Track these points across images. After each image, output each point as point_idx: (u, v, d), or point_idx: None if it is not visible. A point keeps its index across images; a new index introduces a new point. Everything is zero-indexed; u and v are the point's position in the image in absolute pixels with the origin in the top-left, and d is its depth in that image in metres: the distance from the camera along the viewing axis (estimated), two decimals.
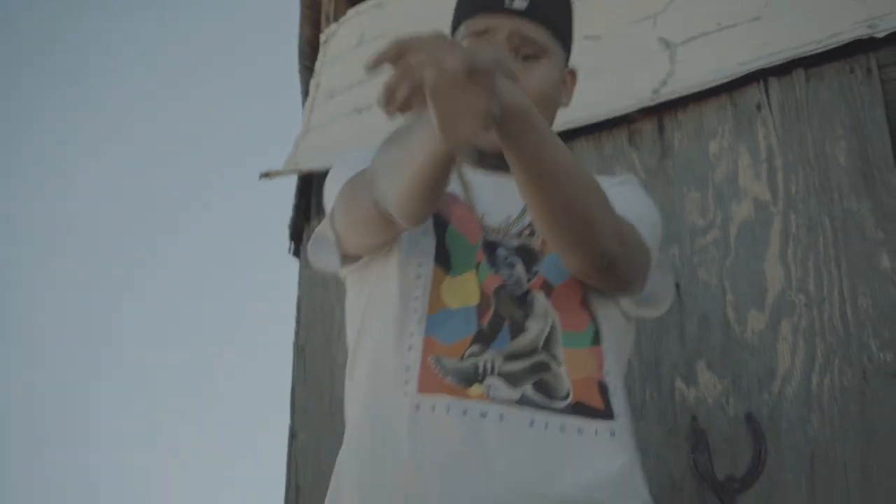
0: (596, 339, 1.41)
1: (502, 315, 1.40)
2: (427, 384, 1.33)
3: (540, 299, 1.41)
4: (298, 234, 2.67)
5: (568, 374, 1.37)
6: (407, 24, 2.62)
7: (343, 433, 1.67)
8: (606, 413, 1.36)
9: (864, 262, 1.90)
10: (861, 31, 2.02)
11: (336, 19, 2.84)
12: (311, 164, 2.58)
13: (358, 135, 2.58)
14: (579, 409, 1.34)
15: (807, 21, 2.10)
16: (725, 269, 2.02)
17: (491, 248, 1.44)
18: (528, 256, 1.45)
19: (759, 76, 2.10)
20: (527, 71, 1.42)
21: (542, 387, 1.35)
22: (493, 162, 1.45)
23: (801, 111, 2.04)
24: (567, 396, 1.35)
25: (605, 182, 1.47)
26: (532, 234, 1.46)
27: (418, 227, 1.41)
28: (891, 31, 1.99)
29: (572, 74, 1.58)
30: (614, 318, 1.47)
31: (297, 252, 2.69)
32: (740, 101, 2.11)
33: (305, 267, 2.59)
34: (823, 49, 2.04)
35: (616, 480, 1.34)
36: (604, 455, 1.34)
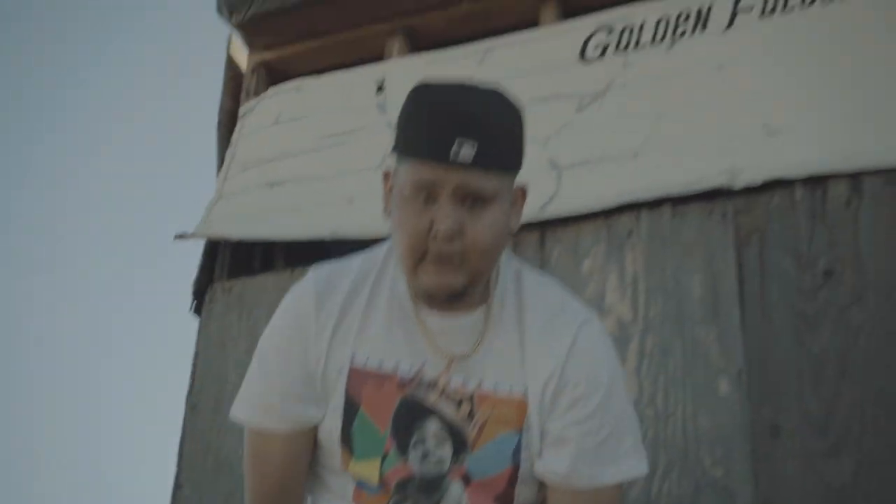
0: None
1: (407, 496, 1.41)
2: None
3: (455, 488, 1.43)
4: (202, 293, 2.74)
5: None
6: (322, 109, 2.79)
7: (225, 490, 1.76)
8: None
9: (706, 386, 2.12)
10: (722, 181, 2.27)
11: (256, 94, 2.95)
12: (221, 230, 2.70)
13: (267, 207, 2.74)
14: None
15: (678, 163, 2.35)
16: None
17: (420, 413, 1.42)
18: (459, 443, 1.41)
19: (633, 207, 2.31)
20: (474, 219, 1.31)
21: None
22: (443, 303, 1.38)
23: (665, 243, 2.29)
24: None
25: (559, 351, 1.40)
26: (470, 415, 1.41)
27: (328, 417, 1.42)
28: (747, 184, 2.23)
29: (522, 193, 1.46)
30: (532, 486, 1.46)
31: (198, 310, 2.75)
32: (614, 226, 2.33)
33: (205, 326, 2.66)
34: (689, 191, 2.28)
35: None
36: None
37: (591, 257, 2.34)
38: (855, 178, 2.20)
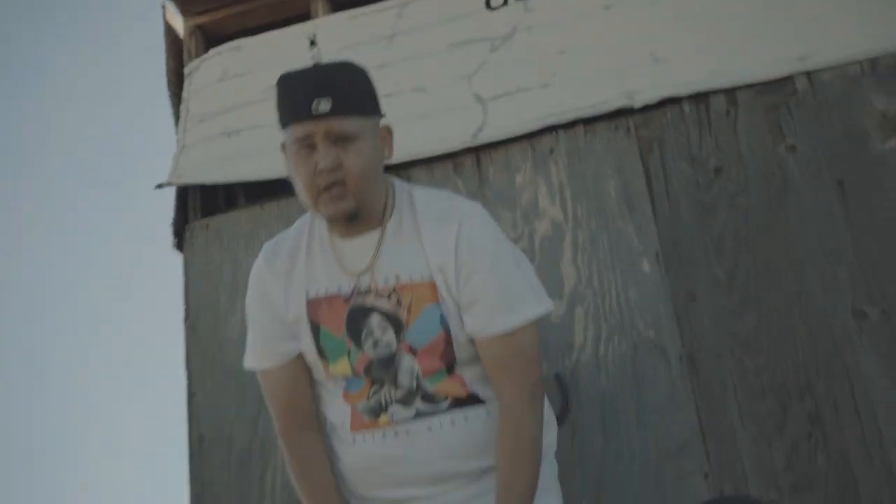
0: (451, 371, 1.73)
1: (377, 377, 1.73)
2: (355, 424, 1.75)
3: (406, 359, 1.72)
4: (180, 232, 2.77)
5: (444, 389, 1.72)
6: (262, 64, 2.96)
7: (235, 392, 2.02)
8: (477, 400, 1.71)
9: (631, 267, 2.36)
10: (623, 102, 2.47)
11: (196, 55, 2.95)
12: (191, 177, 2.77)
13: (226, 154, 2.80)
14: (458, 403, 1.70)
15: (584, 90, 2.54)
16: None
17: (363, 313, 1.74)
18: (397, 325, 1.71)
19: (551, 129, 2.53)
20: (345, 153, 1.66)
21: (427, 398, 1.70)
22: (345, 228, 1.74)
23: (581, 156, 2.47)
24: (446, 399, 1.69)
25: (449, 236, 1.73)
26: (399, 302, 1.72)
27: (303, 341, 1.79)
28: (644, 103, 2.48)
29: (388, 130, 1.77)
30: (475, 363, 1.76)
31: (179, 246, 2.77)
32: (537, 145, 2.51)
33: (190, 259, 2.69)
34: (596, 113, 2.51)
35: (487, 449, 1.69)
36: (490, 427, 1.71)
37: (522, 172, 2.51)
38: (730, 93, 2.48)
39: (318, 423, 1.84)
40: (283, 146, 1.73)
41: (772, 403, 2.25)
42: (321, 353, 1.76)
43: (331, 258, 1.77)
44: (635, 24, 2.73)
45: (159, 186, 2.78)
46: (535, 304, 1.72)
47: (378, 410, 1.75)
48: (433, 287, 1.71)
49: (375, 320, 1.74)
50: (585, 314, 2.41)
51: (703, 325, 2.34)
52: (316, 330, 1.76)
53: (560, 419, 2.31)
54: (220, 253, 2.73)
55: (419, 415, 1.73)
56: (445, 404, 1.73)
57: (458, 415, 1.73)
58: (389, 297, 1.73)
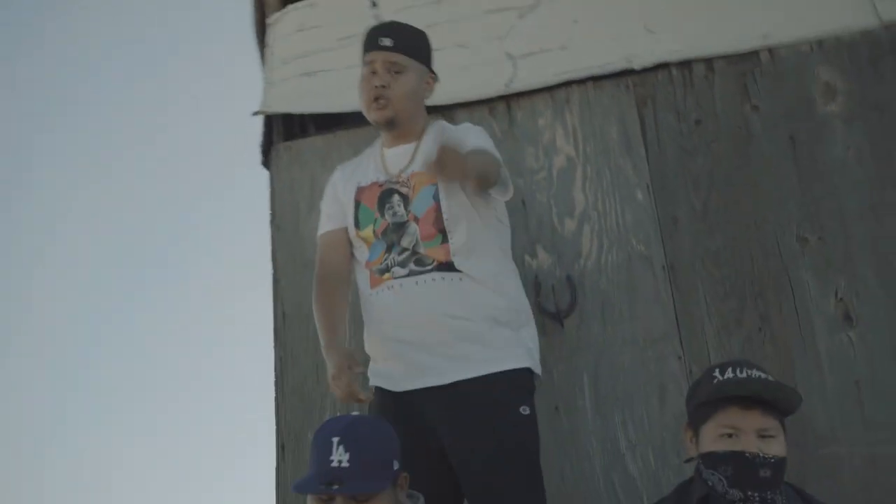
0: (444, 240, 1.89)
1: (392, 241, 1.92)
2: (373, 283, 1.95)
3: (411, 225, 1.92)
4: (267, 151, 2.78)
5: (429, 253, 1.89)
6: (333, 19, 2.90)
7: (312, 279, 2.08)
8: (454, 269, 1.88)
9: (628, 195, 2.44)
10: (624, 65, 2.51)
11: (276, 9, 2.91)
12: (277, 108, 2.78)
13: (306, 91, 2.78)
14: (440, 267, 1.88)
15: (593, 53, 2.57)
16: (551, 194, 2.46)
17: (389, 193, 1.97)
18: (406, 201, 1.94)
19: (567, 84, 2.56)
20: (395, 80, 1.94)
21: (418, 262, 1.87)
22: (390, 137, 2.03)
23: (591, 106, 2.52)
24: (432, 263, 1.88)
25: (465, 130, 2.05)
26: (408, 184, 1.96)
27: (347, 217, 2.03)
28: (642, 66, 2.52)
29: (432, 77, 2.06)
30: (466, 221, 1.92)
31: (266, 164, 2.79)
32: (556, 96, 2.55)
33: (276, 174, 2.72)
34: (603, 72, 2.55)
35: (466, 301, 1.86)
36: (459, 290, 1.87)
37: (544, 117, 2.55)
38: (709, 61, 2.50)
39: (343, 282, 2.06)
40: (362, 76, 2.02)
41: (732, 304, 2.35)
42: (357, 221, 2.01)
43: (379, 160, 2.06)
44: (634, 2, 2.70)
45: (255, 114, 2.78)
46: (495, 153, 2.00)
47: (384, 271, 1.93)
48: (433, 176, 1.87)
49: (396, 198, 1.97)
50: (591, 230, 2.48)
51: (682, 243, 2.44)
52: (357, 205, 2.02)
53: (569, 311, 2.40)
54: (301, 169, 2.76)
55: (411, 273, 1.90)
56: (431, 266, 1.89)
57: (438, 275, 1.89)
58: (406, 183, 1.97)
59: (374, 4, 2.83)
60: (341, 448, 1.51)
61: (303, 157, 2.75)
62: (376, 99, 1.95)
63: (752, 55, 2.54)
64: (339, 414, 2.27)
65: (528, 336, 1.94)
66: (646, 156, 2.50)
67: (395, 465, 1.58)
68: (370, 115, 1.99)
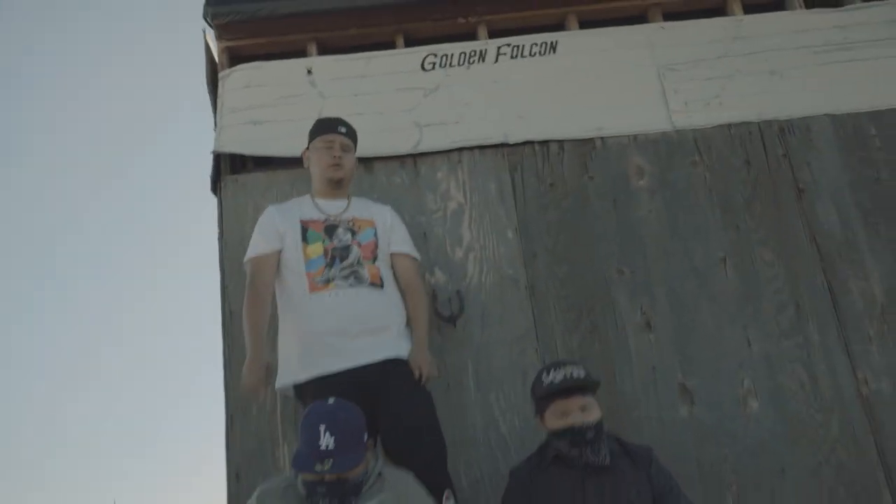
0: (374, 261, 2.54)
1: (335, 256, 2.48)
2: (312, 288, 2.45)
3: (354, 249, 2.55)
4: (216, 181, 3.22)
5: (368, 272, 2.53)
6: (275, 81, 3.47)
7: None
8: (382, 285, 2.51)
9: (502, 234, 3.13)
10: (501, 139, 3.26)
11: (225, 67, 3.38)
12: (229, 148, 3.23)
13: (251, 135, 3.26)
14: (373, 284, 2.49)
15: (479, 128, 3.30)
16: (445, 229, 3.11)
17: (333, 227, 2.58)
18: (352, 231, 2.57)
19: (459, 149, 3.25)
20: (345, 155, 2.67)
21: (358, 277, 2.47)
22: (332, 192, 2.67)
23: (477, 167, 3.23)
24: (367, 279, 2.48)
25: (381, 207, 2.80)
26: (354, 223, 2.61)
27: (289, 237, 2.61)
28: (514, 141, 3.26)
29: (357, 162, 2.80)
30: (388, 258, 2.64)
31: (215, 191, 3.22)
32: (451, 157, 3.24)
33: (225, 198, 3.15)
34: (485, 143, 3.28)
35: (390, 311, 2.51)
36: (384, 302, 2.50)
37: (441, 171, 3.21)
38: (560, 142, 3.34)
39: (270, 296, 2.58)
40: (304, 152, 2.79)
41: (573, 314, 3.13)
42: (305, 239, 2.54)
43: (313, 207, 2.68)
44: (509, 94, 3.46)
45: (214, 153, 3.24)
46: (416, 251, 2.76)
47: (328, 280, 2.48)
48: (372, 222, 2.62)
49: (340, 229, 2.59)
50: (475, 258, 3.17)
51: (539, 270, 3.18)
52: (305, 229, 2.57)
53: (459, 315, 3.06)
54: (245, 197, 3.20)
55: (351, 286, 2.48)
56: (367, 282, 2.50)
57: (372, 289, 2.51)
58: (349, 222, 2.63)
59: (310, 72, 3.46)
60: (327, 434, 1.84)
61: (247, 188, 3.25)
62: (335, 166, 2.65)
63: (590, 141, 3.41)
64: (276, 394, 2.81)
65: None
66: (514, 206, 3.24)
67: (365, 437, 1.98)
68: (330, 175, 2.67)
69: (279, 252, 2.59)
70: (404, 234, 2.79)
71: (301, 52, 3.51)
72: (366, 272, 2.52)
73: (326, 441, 1.81)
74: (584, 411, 2.21)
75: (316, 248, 2.55)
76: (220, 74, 3.39)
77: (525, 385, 2.97)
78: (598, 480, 2.17)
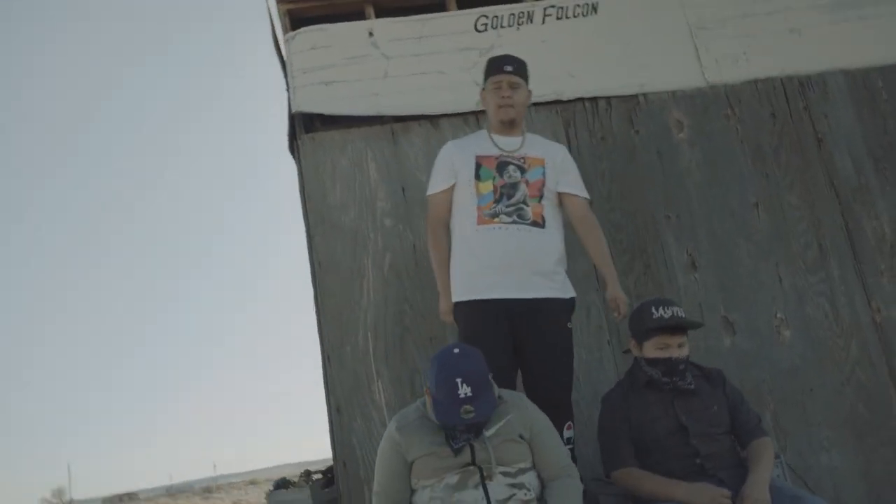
0: (540, 199, 2.53)
1: (503, 193, 2.51)
2: (479, 221, 2.51)
3: (522, 186, 2.53)
4: (292, 140, 3.29)
5: (532, 211, 2.53)
6: (339, 42, 3.53)
7: (339, 235, 2.79)
8: (543, 225, 2.53)
9: None
10: (555, 97, 3.40)
11: (290, 28, 3.40)
12: (302, 107, 3.29)
13: (326, 94, 3.33)
14: (534, 223, 2.51)
15: (535, 86, 3.56)
16: None
17: (505, 164, 2.57)
18: (522, 169, 2.55)
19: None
20: (515, 92, 2.60)
21: (521, 216, 2.52)
22: (507, 130, 2.64)
23: (534, 123, 3.27)
24: (530, 218, 2.51)
25: (555, 146, 2.76)
26: (524, 161, 2.57)
27: (462, 173, 2.59)
28: (567, 98, 3.43)
29: (529, 91, 2.70)
30: (554, 197, 2.61)
31: (291, 150, 3.30)
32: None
33: (304, 157, 3.23)
34: (542, 100, 3.33)
35: (547, 251, 2.55)
36: (542, 242, 2.53)
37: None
38: (608, 99, 3.47)
39: (448, 228, 2.64)
40: (482, 92, 2.72)
41: (627, 256, 3.32)
42: (478, 175, 2.57)
43: (491, 143, 2.67)
44: (558, 54, 3.60)
45: (296, 114, 3.31)
46: (586, 192, 2.72)
47: (494, 215, 2.54)
48: (543, 161, 2.62)
49: (511, 167, 2.59)
50: None
51: (596, 211, 3.26)
52: (479, 165, 2.60)
53: None
54: (324, 154, 3.32)
55: (514, 222, 2.54)
56: (529, 220, 2.55)
57: (532, 228, 2.56)
58: (521, 160, 2.61)
59: (371, 34, 3.53)
60: (464, 385, 1.95)
61: (324, 145, 3.37)
62: (504, 106, 2.61)
63: (634, 97, 3.59)
64: (367, 333, 3.00)
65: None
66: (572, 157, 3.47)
67: (490, 377, 2.05)
68: (499, 115, 2.64)
69: (453, 187, 2.66)
70: (575, 175, 2.73)
71: (358, 15, 3.57)
72: (529, 211, 2.56)
73: (464, 391, 1.93)
74: (680, 347, 2.43)
75: (487, 185, 2.60)
76: (286, 36, 3.42)
77: (590, 321, 3.21)
78: (685, 400, 2.43)
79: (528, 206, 2.55)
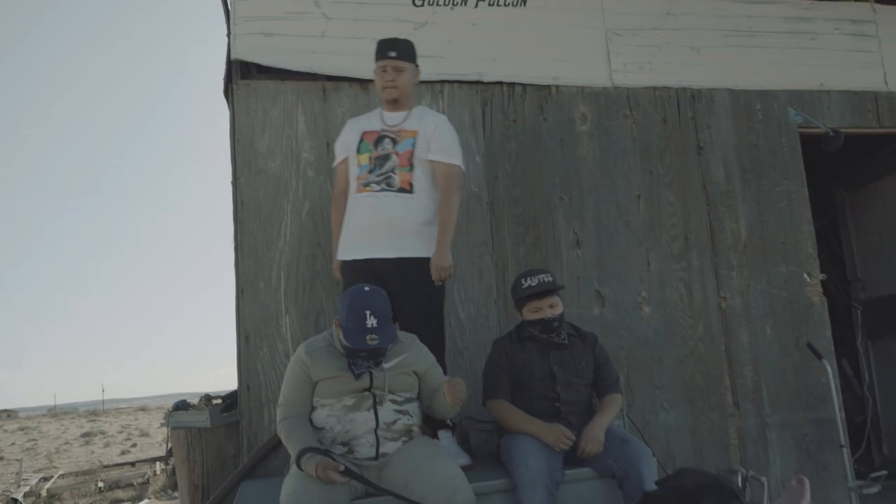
0: (410, 168, 2.79)
1: (376, 164, 2.77)
2: (357, 190, 2.79)
3: (393, 157, 2.80)
4: (229, 86, 3.41)
5: (399, 179, 2.79)
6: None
7: (263, 179, 3.04)
8: (411, 191, 2.80)
9: (471, 158, 3.65)
10: (476, 77, 3.80)
11: None
12: (241, 55, 3.42)
13: (266, 45, 3.46)
14: (401, 190, 2.77)
15: (459, 65, 3.80)
16: None
17: (382, 137, 2.83)
18: (395, 142, 2.80)
19: (441, 81, 3.81)
20: (398, 75, 2.84)
21: (389, 184, 2.78)
22: (393, 107, 2.89)
23: (455, 99, 3.58)
24: (397, 185, 2.77)
25: (432, 116, 2.92)
26: (400, 134, 2.82)
27: (352, 147, 2.88)
28: (487, 80, 3.88)
29: (418, 69, 2.97)
30: (426, 164, 2.84)
31: (226, 94, 3.40)
32: (434, 88, 3.65)
33: (238, 100, 3.36)
34: (463, 79, 3.75)
35: (413, 214, 2.80)
36: (409, 206, 2.78)
37: (426, 99, 3.55)
38: (524, 86, 4.03)
39: (343, 194, 2.92)
40: (376, 71, 2.95)
41: (521, 229, 3.70)
42: (358, 149, 2.87)
43: (379, 118, 2.94)
44: (485, 38, 3.86)
45: (234, 60, 3.43)
46: (458, 159, 2.92)
47: (367, 185, 2.82)
48: (415, 132, 2.85)
49: (387, 139, 2.85)
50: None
51: (499, 190, 3.72)
52: (361, 140, 2.89)
53: None
54: (256, 102, 3.46)
55: (383, 190, 2.82)
56: (396, 187, 2.81)
57: (399, 194, 2.83)
58: (397, 133, 2.86)
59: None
60: (372, 317, 2.21)
61: (258, 93, 3.52)
62: (387, 88, 2.89)
63: (547, 87, 3.90)
64: (280, 272, 3.26)
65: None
66: (483, 135, 3.73)
67: (391, 315, 2.31)
68: (383, 95, 2.92)
69: (346, 160, 2.96)
70: (443, 143, 2.87)
71: None
72: (397, 179, 2.80)
73: (371, 322, 2.19)
74: (551, 307, 2.83)
75: (364, 157, 2.86)
76: None
77: (481, 282, 3.57)
78: (558, 353, 2.84)
79: (395, 174, 2.81)
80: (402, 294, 2.72)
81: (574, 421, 2.73)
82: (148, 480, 11.26)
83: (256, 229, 3.34)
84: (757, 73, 4.22)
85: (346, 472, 2.03)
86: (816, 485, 3.59)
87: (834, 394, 3.55)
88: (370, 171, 2.83)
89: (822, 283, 4.09)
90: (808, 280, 4.02)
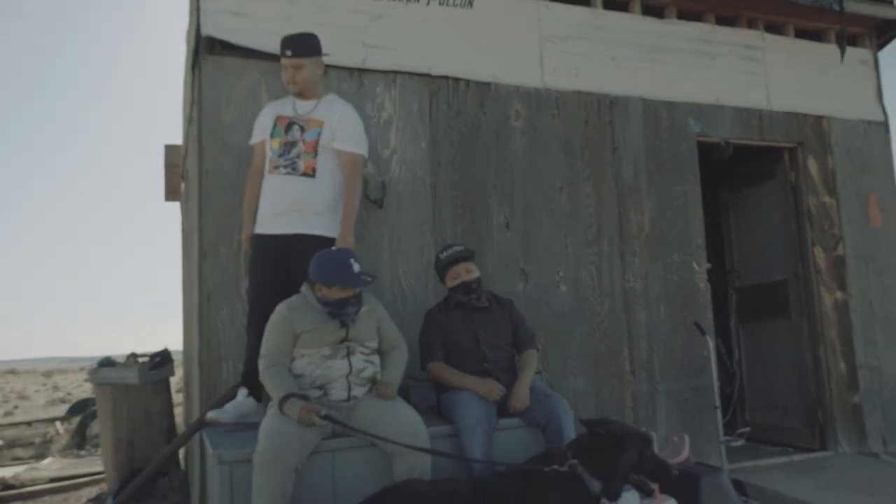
0: (315, 155, 3.03)
1: (285, 149, 3.00)
2: (270, 171, 3.02)
3: (300, 144, 3.02)
4: (196, 60, 3.53)
5: (304, 164, 3.05)
6: None
7: (228, 147, 3.24)
8: (314, 175, 3.02)
9: (417, 143, 3.89)
10: (426, 70, 4.20)
11: None
12: (209, 31, 3.52)
13: (234, 23, 3.54)
14: (304, 174, 3.01)
15: (411, 57, 4.13)
16: (378, 133, 3.76)
17: (292, 124, 3.07)
18: (303, 129, 2.99)
19: (394, 72, 4.02)
20: (297, 72, 3.02)
21: (294, 168, 3.02)
22: (302, 97, 3.08)
23: (406, 89, 3.82)
24: (301, 170, 3.00)
25: (339, 106, 3.15)
26: (308, 122, 2.99)
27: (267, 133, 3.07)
28: (435, 74, 4.21)
29: (322, 63, 3.15)
30: (331, 152, 3.10)
31: (193, 67, 3.51)
32: (388, 77, 3.91)
33: (205, 74, 3.46)
34: (414, 71, 4.12)
35: (315, 196, 3.05)
36: (311, 189, 3.03)
37: (379, 87, 3.78)
38: (467, 81, 4.28)
39: (259, 173, 3.15)
40: (282, 65, 3.13)
41: (459, 210, 4.01)
42: (273, 133, 3.08)
43: (292, 105, 3.14)
44: (434, 35, 4.09)
45: (204, 36, 3.51)
46: (363, 148, 3.15)
47: (276, 167, 3.07)
48: (322, 122, 3.09)
49: (296, 127, 3.09)
50: (398, 158, 3.90)
51: (441, 173, 4.00)
52: (275, 125, 3.09)
53: (382, 200, 3.81)
54: (222, 77, 3.57)
55: (289, 173, 3.07)
56: (300, 171, 3.06)
57: (303, 178, 3.06)
58: (306, 122, 3.04)
59: None
60: (355, 263, 2.62)
61: (224, 69, 3.61)
62: (290, 83, 3.11)
63: (488, 84, 4.19)
64: (242, 229, 3.42)
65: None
66: (429, 124, 3.99)
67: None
68: (289, 89, 3.16)
69: (263, 142, 3.14)
70: (348, 133, 3.11)
71: None
72: (301, 164, 3.01)
73: (356, 267, 2.62)
74: (468, 273, 3.18)
75: (276, 141, 3.07)
76: None
77: (423, 256, 3.87)
78: (480, 316, 3.20)
79: (300, 160, 3.04)
80: (303, 269, 2.88)
81: (502, 378, 3.10)
82: (51, 440, 10.87)
83: (220, 196, 3.48)
84: (665, 85, 4.70)
85: (326, 417, 2.30)
86: (694, 440, 4.16)
87: (713, 365, 4.12)
88: (279, 156, 3.05)
89: (707, 271, 4.65)
90: (697, 268, 4.57)
